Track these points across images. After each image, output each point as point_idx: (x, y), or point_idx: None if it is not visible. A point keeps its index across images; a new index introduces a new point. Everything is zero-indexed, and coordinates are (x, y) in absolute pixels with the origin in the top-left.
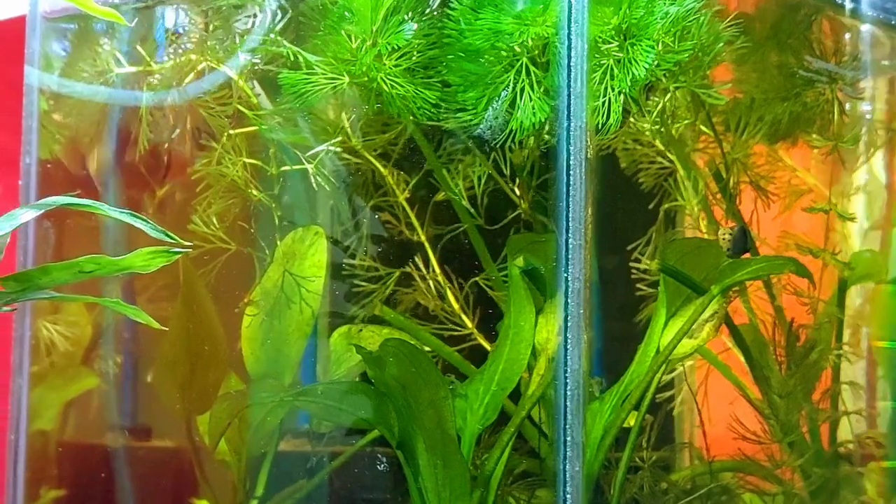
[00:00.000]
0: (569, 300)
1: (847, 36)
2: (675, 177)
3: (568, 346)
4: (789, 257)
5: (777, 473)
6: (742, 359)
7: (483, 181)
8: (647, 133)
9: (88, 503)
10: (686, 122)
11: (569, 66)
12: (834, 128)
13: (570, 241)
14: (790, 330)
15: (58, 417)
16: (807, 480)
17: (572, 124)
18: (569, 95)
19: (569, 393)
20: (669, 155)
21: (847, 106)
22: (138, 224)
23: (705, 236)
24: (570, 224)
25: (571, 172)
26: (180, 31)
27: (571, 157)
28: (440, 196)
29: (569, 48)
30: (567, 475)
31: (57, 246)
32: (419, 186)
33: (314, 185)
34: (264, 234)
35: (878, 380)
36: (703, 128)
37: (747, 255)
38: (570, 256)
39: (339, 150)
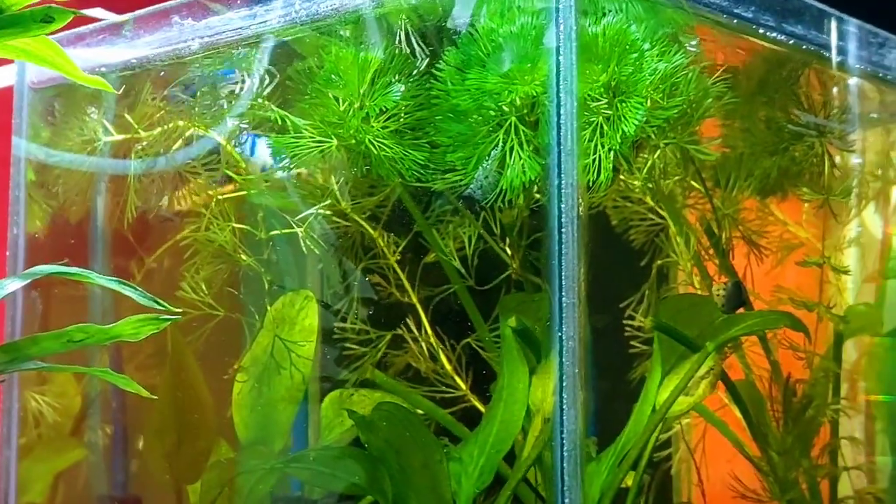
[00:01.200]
0: (563, 359)
1: (835, 89)
2: (667, 233)
3: (564, 406)
4: (784, 312)
5: None
6: (739, 415)
7: (473, 241)
8: (637, 190)
9: None
10: (676, 178)
11: (558, 123)
12: (825, 181)
13: (563, 299)
14: (787, 385)
15: (47, 490)
16: None
17: (563, 182)
18: (559, 153)
19: (565, 454)
20: (660, 211)
21: (837, 159)
22: (126, 291)
23: (698, 292)
24: (564, 283)
25: (563, 230)
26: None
27: (563, 215)
28: (430, 257)
29: (558, 106)
30: None
31: (44, 315)
32: (409, 248)
33: (304, 249)
34: (253, 300)
35: (877, 434)
36: (693, 183)
37: (742, 311)
38: (563, 315)
39: (328, 213)
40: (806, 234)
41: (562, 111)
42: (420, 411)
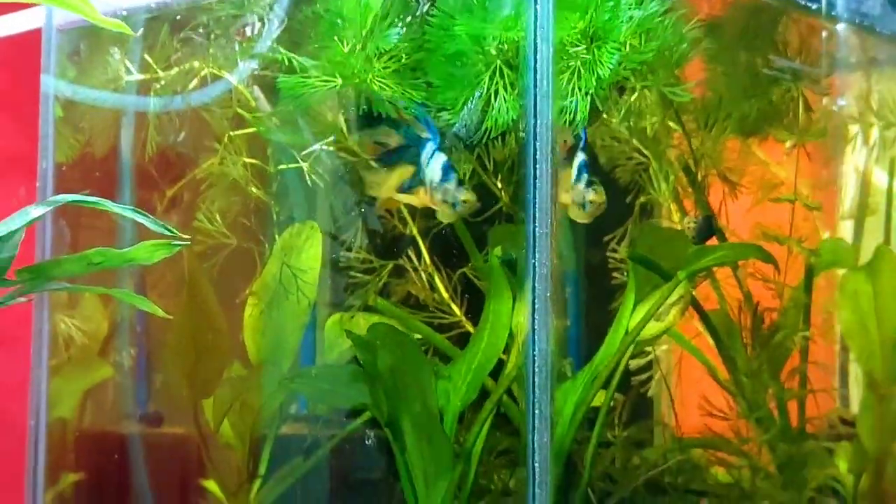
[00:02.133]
0: (536, 284)
1: (812, 36)
2: (650, 171)
3: (535, 327)
4: (753, 244)
5: (745, 449)
6: (712, 342)
7: (468, 176)
8: (624, 131)
9: (105, 486)
10: (655, 119)
11: (535, 68)
12: (800, 123)
13: (536, 229)
14: (755, 313)
15: (76, 406)
16: (774, 455)
17: (538, 122)
18: (535, 96)
19: (536, 370)
20: (644, 151)
21: (825, 101)
22: (140, 219)
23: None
24: (537, 214)
25: (538, 166)
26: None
27: (538, 153)
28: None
29: (534, 51)
30: (536, 445)
31: (72, 243)
32: None
33: (310, 182)
34: (264, 230)
35: (851, 363)
36: (671, 124)
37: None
38: (536, 244)
39: (335, 149)
40: (786, 174)
41: (538, 56)
42: (418, 335)
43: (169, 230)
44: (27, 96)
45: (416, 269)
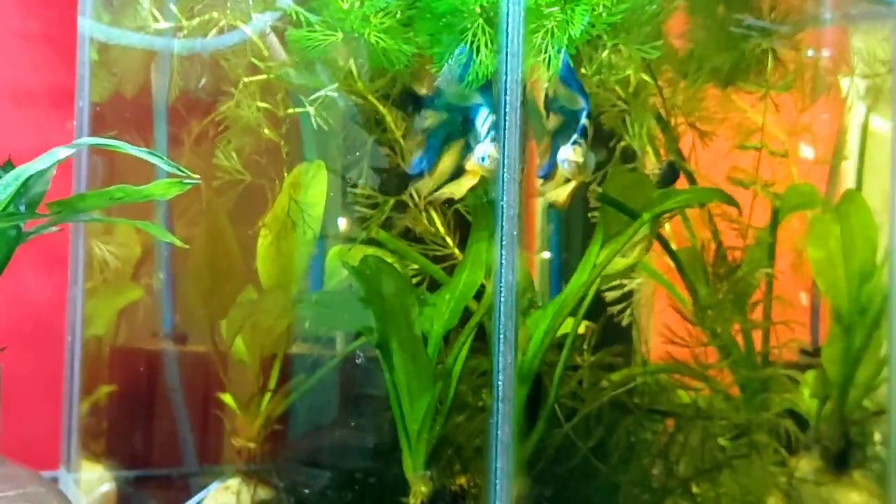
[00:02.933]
0: (504, 224)
1: None
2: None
3: (503, 262)
4: (716, 188)
5: (709, 374)
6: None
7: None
8: (595, 84)
9: (135, 397)
10: (629, 72)
11: (507, 29)
12: (767, 75)
13: (504, 175)
14: (717, 250)
15: (109, 324)
16: (737, 381)
17: (509, 78)
18: (507, 54)
19: (503, 300)
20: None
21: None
22: (153, 160)
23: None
24: (506, 161)
25: (507, 119)
26: None
27: (507, 105)
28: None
29: (507, 13)
30: (500, 366)
31: (108, 175)
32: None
33: (315, 125)
34: (276, 168)
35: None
36: (644, 76)
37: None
38: (505, 188)
39: (347, 91)
40: (762, 121)
41: (509, 18)
42: (416, 265)
43: (180, 170)
44: (71, 36)
45: (416, 205)
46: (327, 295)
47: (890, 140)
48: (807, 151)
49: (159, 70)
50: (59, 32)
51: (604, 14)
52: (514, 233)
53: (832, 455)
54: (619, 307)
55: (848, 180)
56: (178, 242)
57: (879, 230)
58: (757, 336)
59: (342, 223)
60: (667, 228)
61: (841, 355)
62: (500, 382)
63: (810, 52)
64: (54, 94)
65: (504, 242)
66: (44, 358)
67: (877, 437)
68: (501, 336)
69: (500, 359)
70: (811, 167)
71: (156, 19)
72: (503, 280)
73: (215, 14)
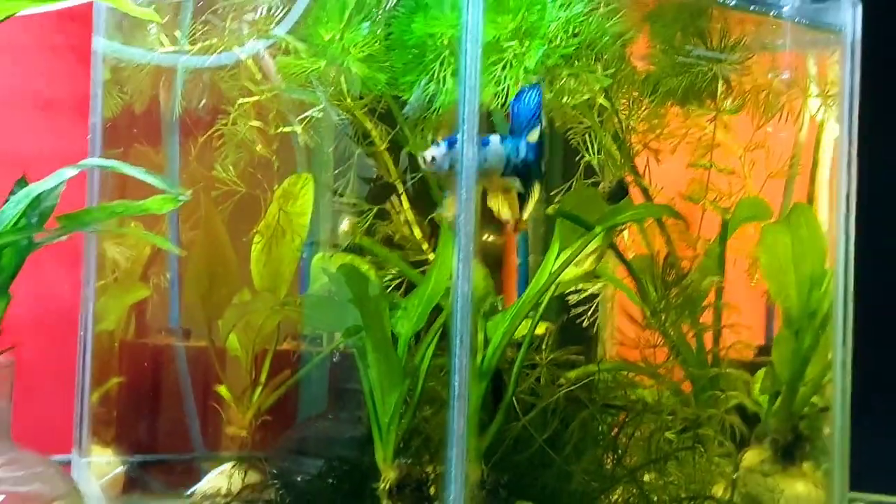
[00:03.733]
0: (462, 239)
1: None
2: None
3: (459, 274)
4: (664, 204)
5: (661, 373)
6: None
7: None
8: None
9: (142, 388)
10: (585, 96)
11: (465, 65)
12: (718, 98)
13: (463, 194)
14: (665, 260)
15: (120, 320)
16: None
17: (467, 109)
18: (465, 87)
19: (459, 307)
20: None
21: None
22: (149, 179)
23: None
24: (464, 182)
25: (465, 145)
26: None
27: (465, 134)
28: (408, 148)
29: (465, 51)
30: (457, 367)
31: (121, 185)
32: (393, 141)
33: (302, 143)
34: (269, 180)
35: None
36: (601, 101)
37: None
38: (463, 206)
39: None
40: (722, 137)
41: (468, 55)
42: (394, 270)
43: (172, 187)
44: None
45: (398, 213)
46: (310, 298)
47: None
48: (761, 167)
49: (167, 88)
50: (81, 44)
51: (560, 46)
52: (471, 247)
53: (781, 447)
54: (580, 310)
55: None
56: (174, 249)
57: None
58: (708, 338)
59: (343, 226)
60: (625, 237)
61: (790, 355)
62: (456, 381)
63: (769, 76)
64: (79, 103)
65: (461, 256)
66: (61, 350)
67: (825, 431)
68: (458, 340)
69: (457, 360)
70: (768, 182)
71: (162, 44)
72: (459, 290)
73: (215, 40)
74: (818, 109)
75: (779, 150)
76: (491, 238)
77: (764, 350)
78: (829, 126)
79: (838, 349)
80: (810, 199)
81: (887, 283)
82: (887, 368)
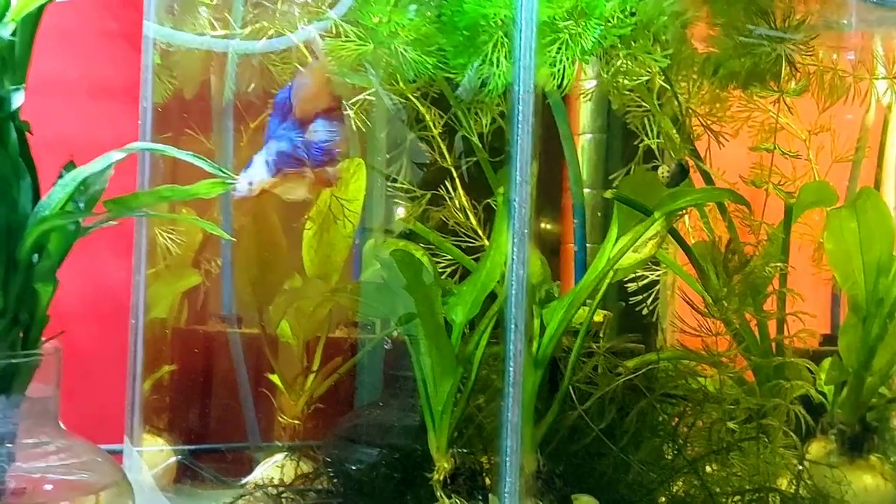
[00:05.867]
0: (515, 222)
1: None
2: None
3: (514, 258)
4: (726, 188)
5: (723, 362)
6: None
7: (488, 123)
8: (613, 88)
9: (194, 376)
10: (643, 77)
11: (520, 45)
12: (782, 80)
13: (517, 176)
14: (727, 246)
15: (172, 306)
16: (751, 368)
17: (522, 90)
18: (519, 68)
19: (514, 292)
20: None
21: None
22: (197, 162)
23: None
24: (519, 165)
25: (520, 126)
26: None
27: (520, 115)
28: (462, 132)
29: (519, 29)
30: (511, 353)
31: (171, 171)
32: (448, 125)
33: (354, 127)
34: None
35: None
36: (660, 81)
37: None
38: (517, 189)
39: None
40: (786, 121)
41: (522, 34)
42: (449, 256)
43: (223, 171)
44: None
45: (451, 199)
46: (362, 285)
47: None
48: (827, 150)
49: (217, 72)
50: (133, 30)
51: (614, 27)
52: (526, 231)
53: (847, 439)
54: (639, 297)
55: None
56: (225, 235)
57: None
58: (772, 326)
59: (399, 212)
60: (686, 223)
61: (857, 344)
62: (510, 368)
63: (833, 56)
64: (131, 88)
65: (516, 240)
66: (113, 338)
67: (894, 422)
68: (513, 326)
69: (511, 347)
70: (834, 166)
71: (213, 27)
72: (514, 275)
73: (265, 23)
74: (885, 91)
75: (845, 133)
76: (548, 226)
77: (829, 339)
78: None
79: None
80: (877, 184)
81: None
82: None
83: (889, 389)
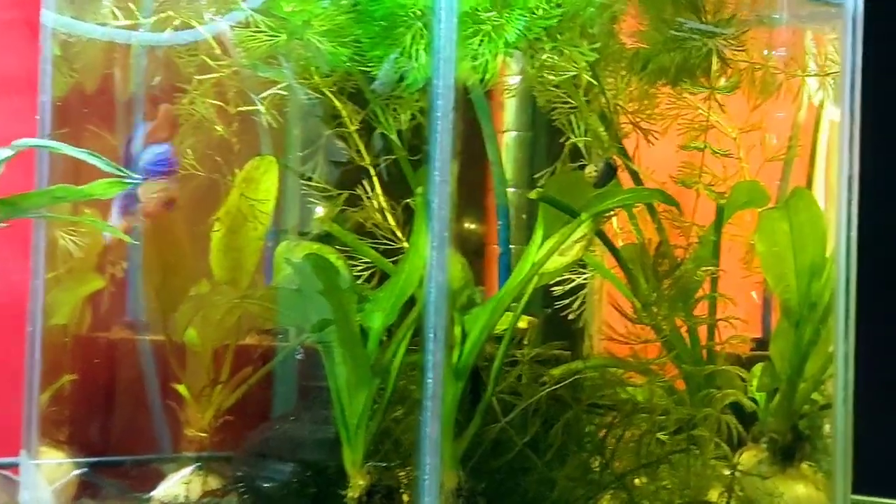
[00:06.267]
0: (435, 224)
1: None
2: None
3: (433, 263)
4: (656, 189)
5: (653, 370)
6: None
7: (407, 119)
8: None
9: (96, 386)
10: (569, 73)
11: (440, 36)
12: (712, 76)
13: (436, 176)
14: (658, 248)
15: (72, 314)
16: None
17: (441, 84)
18: (439, 60)
19: (433, 299)
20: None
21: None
22: (92, 160)
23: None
24: (437, 164)
25: (439, 122)
26: None
27: (439, 111)
28: (380, 128)
29: (440, 21)
30: (430, 364)
31: (75, 170)
32: (366, 120)
33: (265, 123)
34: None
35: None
36: (586, 77)
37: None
38: (436, 190)
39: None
40: (716, 118)
41: (442, 25)
42: (367, 259)
43: (120, 170)
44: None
45: (369, 199)
46: (273, 291)
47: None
48: (758, 149)
49: (121, 65)
50: (36, 19)
51: (539, 18)
52: (446, 234)
53: (779, 448)
54: (565, 302)
55: (802, 177)
56: (125, 237)
57: (829, 226)
58: (703, 332)
59: (318, 212)
60: (614, 224)
61: (789, 349)
62: (429, 380)
63: (764, 52)
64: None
65: (435, 244)
66: (9, 346)
67: (826, 429)
68: (432, 335)
69: (430, 357)
70: (765, 165)
71: (116, 17)
72: (433, 281)
73: (171, 13)
74: (818, 89)
75: (776, 131)
76: (471, 226)
77: (760, 343)
78: (828, 106)
79: (840, 342)
80: (809, 184)
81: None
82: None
83: (821, 395)
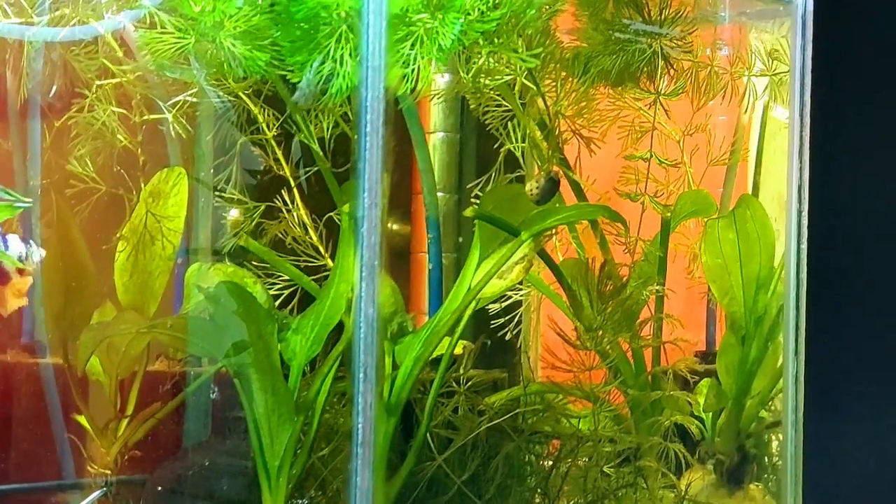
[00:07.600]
0: (364, 252)
1: None
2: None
3: (362, 294)
4: (601, 204)
5: (600, 395)
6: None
7: (330, 128)
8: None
9: None
10: (506, 77)
11: (367, 42)
12: (657, 79)
13: (365, 198)
14: (601, 269)
15: None
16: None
17: (370, 95)
18: (367, 69)
19: (362, 335)
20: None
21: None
22: None
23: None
24: (367, 185)
25: (368, 139)
26: None
27: (368, 125)
28: (300, 137)
29: (367, 25)
30: (360, 407)
31: None
32: (284, 127)
33: (173, 132)
34: (135, 176)
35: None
36: (525, 82)
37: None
38: (366, 212)
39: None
40: (659, 121)
41: (370, 29)
42: (286, 276)
43: (10, 193)
44: None
45: (289, 211)
46: (183, 319)
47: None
48: (703, 152)
49: (12, 65)
50: None
51: (476, 21)
52: (376, 262)
53: (726, 469)
54: (501, 321)
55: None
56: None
57: (777, 236)
58: (648, 353)
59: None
60: (554, 239)
61: (736, 365)
62: (359, 425)
63: (707, 52)
64: None
65: (364, 273)
66: None
67: (773, 448)
68: (361, 375)
69: (361, 399)
70: (710, 170)
71: (6, 14)
72: (363, 314)
73: (67, 10)
74: (764, 89)
75: (720, 134)
76: (395, 227)
77: (704, 356)
78: (774, 107)
79: (789, 358)
80: (755, 189)
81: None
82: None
83: (768, 413)
